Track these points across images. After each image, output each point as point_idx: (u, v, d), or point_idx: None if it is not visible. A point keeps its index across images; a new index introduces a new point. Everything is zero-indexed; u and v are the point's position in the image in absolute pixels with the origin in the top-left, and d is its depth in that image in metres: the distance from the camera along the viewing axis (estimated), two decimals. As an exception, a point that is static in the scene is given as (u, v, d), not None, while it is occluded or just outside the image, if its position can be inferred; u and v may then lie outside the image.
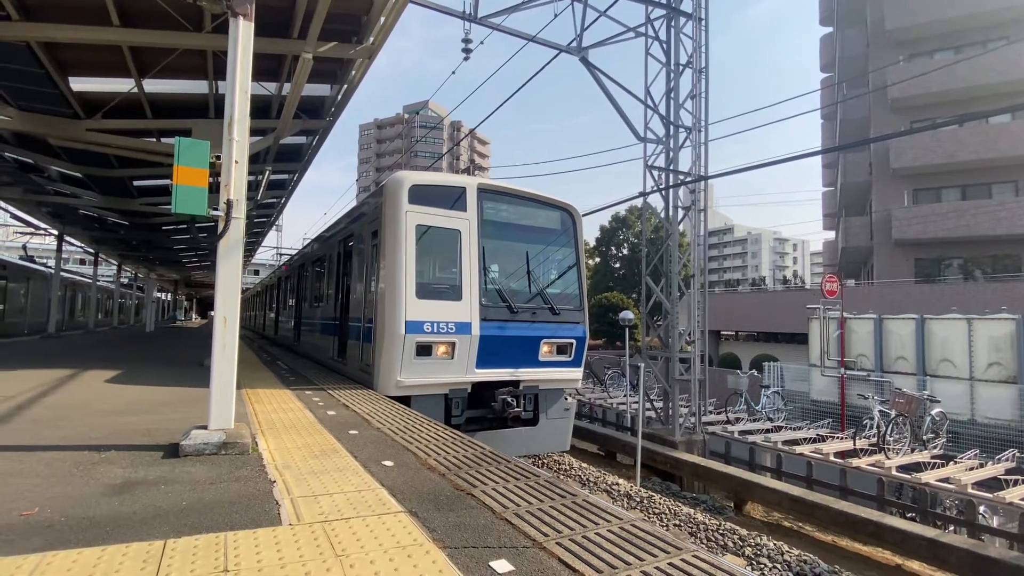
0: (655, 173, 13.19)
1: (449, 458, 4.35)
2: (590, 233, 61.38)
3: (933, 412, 11.36)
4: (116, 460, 3.98)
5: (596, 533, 2.94)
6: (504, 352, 8.20)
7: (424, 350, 7.60)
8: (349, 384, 8.46)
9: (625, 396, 16.46)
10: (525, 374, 8.44)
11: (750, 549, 7.23)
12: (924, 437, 11.11)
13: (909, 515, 9.06)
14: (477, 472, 3.99)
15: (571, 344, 8.84)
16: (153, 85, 8.94)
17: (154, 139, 10.84)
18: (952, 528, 8.58)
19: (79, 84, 8.85)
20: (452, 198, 8.21)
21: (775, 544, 7.32)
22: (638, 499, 9.19)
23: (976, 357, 12.84)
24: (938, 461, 10.27)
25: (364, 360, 8.47)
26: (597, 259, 55.20)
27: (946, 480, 8.97)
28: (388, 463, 4.13)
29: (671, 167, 13.05)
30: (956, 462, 10.24)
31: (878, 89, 25.49)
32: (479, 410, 8.27)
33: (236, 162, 4.21)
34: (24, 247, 24.87)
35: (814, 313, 15.87)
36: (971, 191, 25.24)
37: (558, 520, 3.10)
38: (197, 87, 9.32)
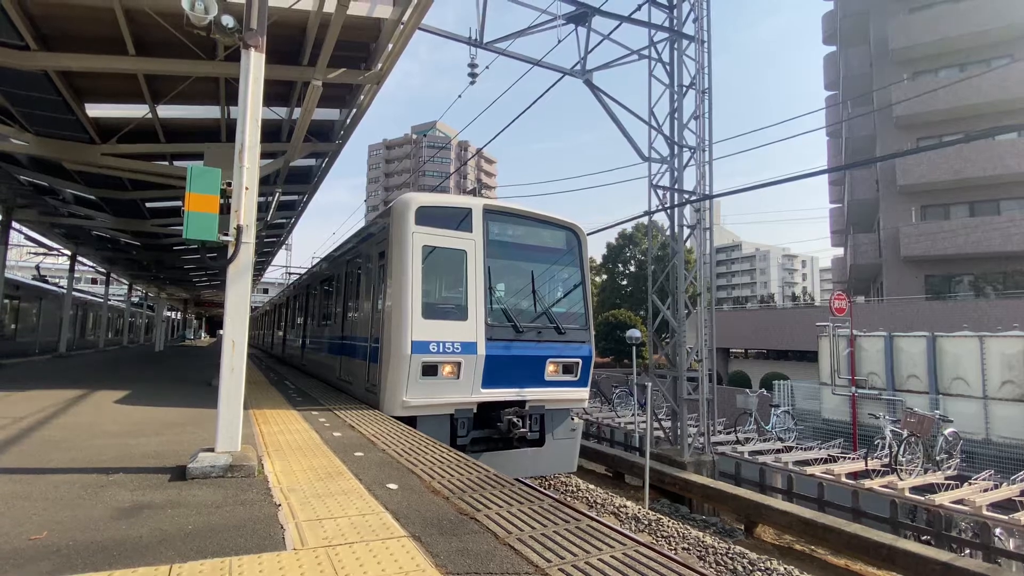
0: (660, 192, 13.26)
1: (454, 481, 4.34)
2: (597, 250, 61.48)
3: (946, 432, 11.20)
4: (124, 483, 4.01)
5: (599, 559, 2.93)
6: (510, 372, 8.20)
7: (430, 370, 7.62)
8: (355, 404, 8.47)
9: (633, 415, 16.35)
10: (531, 394, 8.42)
11: (760, 574, 7.11)
12: (937, 458, 10.94)
13: (923, 538, 8.89)
14: (481, 495, 3.99)
15: (577, 363, 8.83)
16: (166, 110, 9.15)
17: (167, 162, 11.07)
18: (967, 551, 8.41)
19: (95, 110, 9.08)
20: (458, 218, 8.30)
21: (786, 568, 7.20)
22: (646, 522, 9.08)
23: (989, 375, 12.67)
24: (952, 482, 10.10)
25: (370, 380, 8.49)
26: (604, 276, 55.23)
27: (960, 502, 8.82)
28: (393, 486, 4.14)
29: (676, 186, 13.12)
30: (970, 483, 10.06)
31: (883, 108, 25.59)
32: (485, 430, 8.25)
33: (247, 189, 4.30)
34: (37, 267, 25.26)
35: (824, 331, 15.77)
36: (979, 207, 25.14)
37: (562, 545, 3.09)
38: (209, 112, 9.53)
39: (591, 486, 11.16)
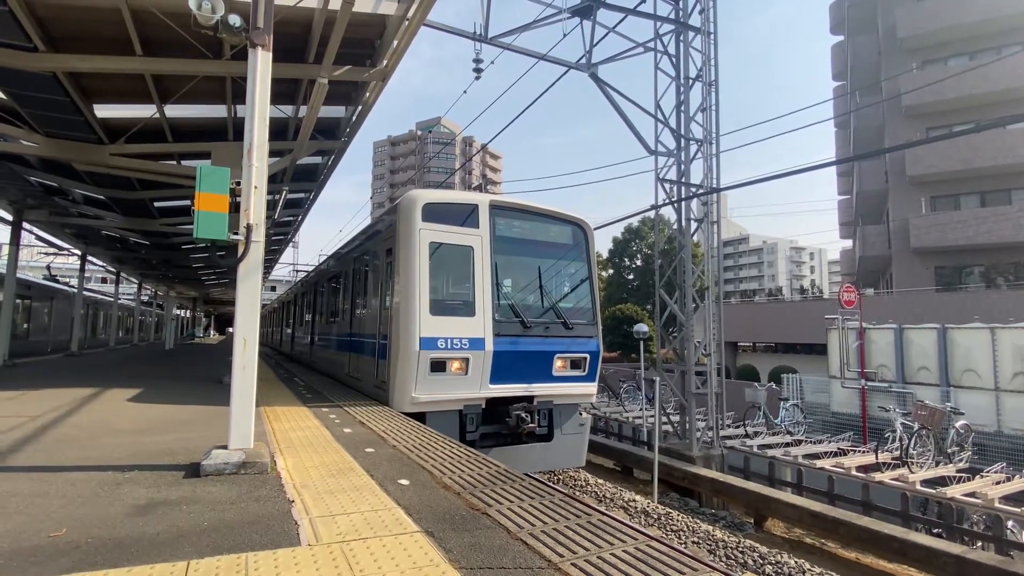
0: (667, 186, 13.20)
1: (464, 476, 4.37)
2: (603, 245, 61.37)
3: (957, 424, 11.11)
4: (139, 480, 4.06)
5: (612, 553, 2.94)
6: (518, 367, 8.21)
7: (438, 366, 7.65)
8: (364, 400, 8.52)
9: (641, 410, 16.33)
10: (539, 389, 8.44)
11: (771, 567, 7.11)
12: (949, 450, 10.86)
13: (935, 531, 8.85)
14: (492, 490, 4.01)
15: (585, 358, 8.83)
16: (174, 110, 9.20)
17: (174, 162, 11.13)
18: (979, 544, 8.36)
19: (103, 111, 9.14)
20: (464, 215, 8.31)
21: (796, 562, 7.19)
22: (655, 516, 9.09)
23: (1001, 367, 12.55)
24: (964, 475, 10.02)
25: (379, 376, 8.54)
26: (610, 271, 55.10)
27: (972, 494, 8.75)
28: (404, 482, 4.16)
29: (683, 180, 13.05)
30: (982, 476, 9.99)
31: (892, 97, 25.33)
32: (493, 426, 8.28)
33: (255, 187, 4.32)
34: (48, 267, 25.53)
35: (832, 323, 15.67)
36: (990, 197, 24.86)
37: (573, 540, 3.10)
38: (216, 111, 9.57)
39: (600, 480, 11.18)
